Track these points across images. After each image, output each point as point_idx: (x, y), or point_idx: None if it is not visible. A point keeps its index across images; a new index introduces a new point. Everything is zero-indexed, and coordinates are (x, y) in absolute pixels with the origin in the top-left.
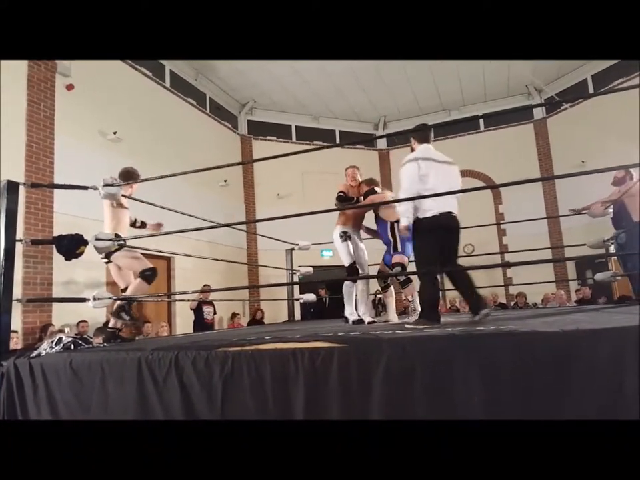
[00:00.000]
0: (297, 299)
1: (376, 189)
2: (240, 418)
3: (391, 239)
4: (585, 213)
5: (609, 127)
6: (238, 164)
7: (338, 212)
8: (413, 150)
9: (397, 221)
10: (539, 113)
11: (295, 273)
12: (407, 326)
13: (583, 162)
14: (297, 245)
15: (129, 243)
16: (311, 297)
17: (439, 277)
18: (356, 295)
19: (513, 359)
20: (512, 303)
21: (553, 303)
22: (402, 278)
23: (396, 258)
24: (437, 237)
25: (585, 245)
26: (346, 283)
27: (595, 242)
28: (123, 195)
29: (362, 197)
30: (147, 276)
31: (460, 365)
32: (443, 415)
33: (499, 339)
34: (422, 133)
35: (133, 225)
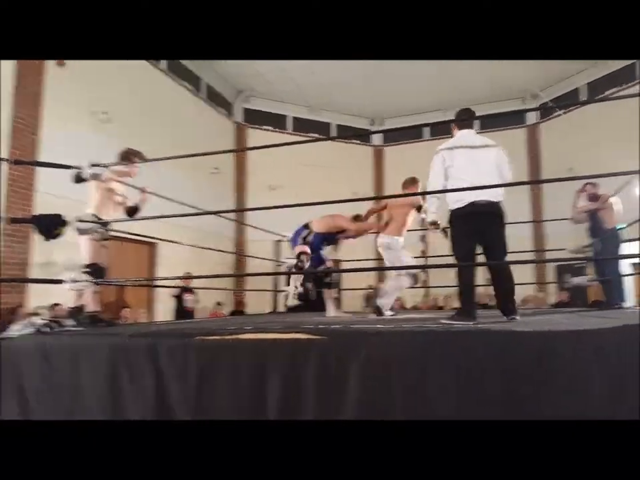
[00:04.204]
0: (282, 291)
1: None
2: (214, 406)
3: None
4: (568, 218)
5: (601, 135)
6: (229, 151)
7: None
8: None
9: None
10: (532, 118)
11: (280, 265)
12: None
13: (570, 169)
14: (285, 236)
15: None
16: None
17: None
18: None
19: (488, 357)
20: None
21: (531, 305)
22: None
23: None
24: (468, 228)
25: (565, 249)
26: None
27: (575, 247)
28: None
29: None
30: (86, 272)
31: (436, 361)
32: (419, 412)
33: (476, 337)
34: (463, 118)
35: (130, 214)
